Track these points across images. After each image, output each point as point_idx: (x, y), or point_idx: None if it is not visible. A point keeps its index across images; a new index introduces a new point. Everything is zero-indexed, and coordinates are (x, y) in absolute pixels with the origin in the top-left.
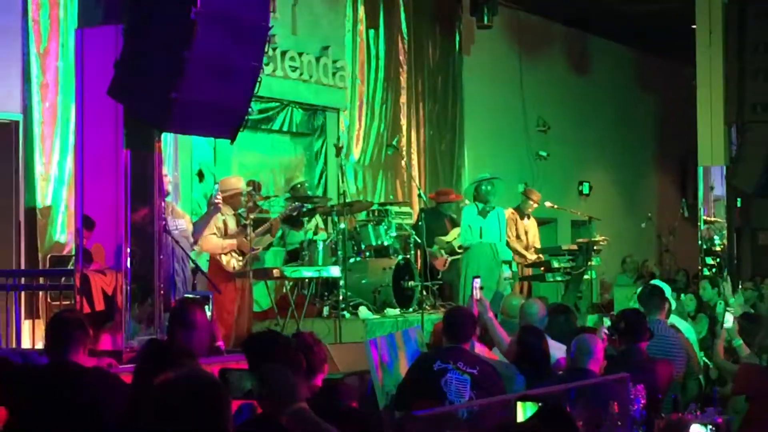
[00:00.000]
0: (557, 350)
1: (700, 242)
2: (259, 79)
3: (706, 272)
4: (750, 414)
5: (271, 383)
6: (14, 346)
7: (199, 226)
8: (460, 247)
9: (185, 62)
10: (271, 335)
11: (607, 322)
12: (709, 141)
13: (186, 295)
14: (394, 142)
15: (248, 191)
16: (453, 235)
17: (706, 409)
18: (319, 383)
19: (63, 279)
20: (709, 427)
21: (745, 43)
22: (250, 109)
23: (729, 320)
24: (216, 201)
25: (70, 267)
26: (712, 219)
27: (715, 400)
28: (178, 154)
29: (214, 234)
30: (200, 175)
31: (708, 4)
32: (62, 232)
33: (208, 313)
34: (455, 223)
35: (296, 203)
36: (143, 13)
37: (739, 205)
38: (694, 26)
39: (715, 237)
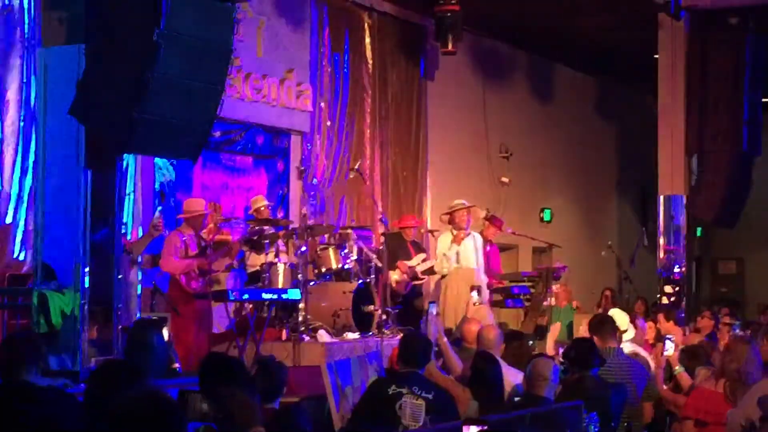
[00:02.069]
0: (512, 376)
1: (659, 271)
2: (221, 101)
3: (665, 301)
4: None
5: (229, 407)
6: None
7: (138, 247)
8: (423, 273)
9: (148, 83)
10: (225, 358)
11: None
12: (670, 170)
13: (143, 317)
14: (356, 167)
15: (210, 213)
16: (416, 261)
17: None
18: (277, 406)
19: (20, 298)
20: None
21: (706, 73)
22: (212, 131)
23: (669, 348)
24: (157, 223)
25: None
26: (672, 248)
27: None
28: (139, 174)
29: (175, 255)
30: (161, 195)
31: (671, 35)
32: (21, 250)
33: (166, 335)
34: (419, 248)
35: (256, 227)
36: (106, 33)
37: (699, 234)
38: (656, 56)
39: (675, 265)
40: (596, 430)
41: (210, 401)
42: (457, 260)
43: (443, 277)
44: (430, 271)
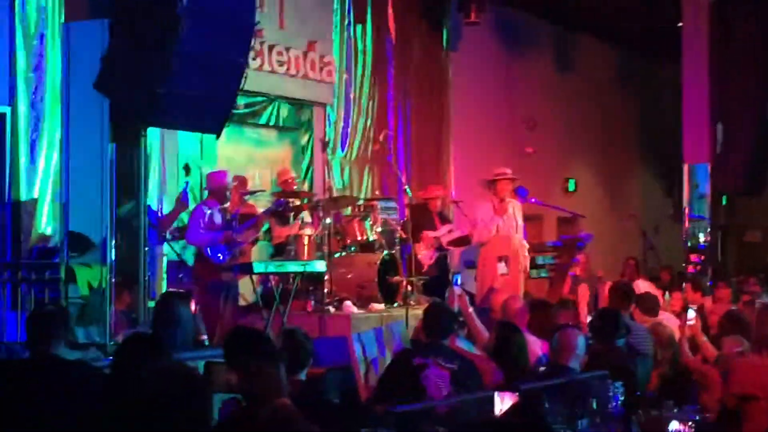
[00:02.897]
0: (537, 346)
1: (684, 240)
2: (244, 75)
3: (691, 271)
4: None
5: (254, 379)
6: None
7: (167, 222)
8: (449, 244)
9: (172, 57)
10: (251, 331)
11: None
12: (694, 138)
13: (170, 290)
14: (381, 138)
15: (234, 185)
16: (442, 231)
17: (684, 406)
18: (304, 378)
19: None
20: (690, 423)
21: (730, 41)
22: (236, 104)
23: (692, 317)
24: (183, 200)
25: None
26: (697, 217)
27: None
28: (165, 147)
29: (201, 228)
30: (187, 169)
31: (695, 2)
32: (48, 224)
33: (192, 308)
34: (445, 219)
35: (281, 199)
36: (130, 8)
37: (724, 203)
38: (680, 24)
39: (700, 234)
40: (621, 399)
41: (236, 373)
42: (497, 230)
43: (482, 245)
44: (456, 242)
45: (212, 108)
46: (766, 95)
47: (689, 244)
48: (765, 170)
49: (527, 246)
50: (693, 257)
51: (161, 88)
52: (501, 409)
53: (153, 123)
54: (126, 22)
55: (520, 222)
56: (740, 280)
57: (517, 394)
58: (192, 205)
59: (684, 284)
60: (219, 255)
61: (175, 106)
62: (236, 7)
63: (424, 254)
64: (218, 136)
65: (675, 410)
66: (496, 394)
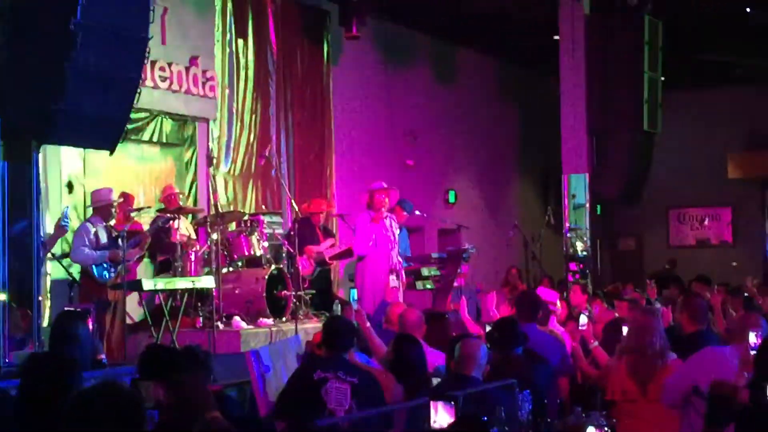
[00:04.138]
0: (434, 357)
1: (564, 249)
2: (138, 90)
3: (571, 279)
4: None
5: (185, 393)
6: None
7: (50, 243)
8: (331, 258)
9: (66, 73)
10: (165, 348)
11: None
12: (573, 149)
13: (67, 308)
14: (266, 153)
15: (120, 203)
16: (325, 246)
17: (590, 412)
18: None
19: None
20: (605, 428)
21: (606, 53)
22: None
23: (584, 323)
24: (62, 224)
25: None
26: (576, 227)
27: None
28: (48, 164)
29: (86, 246)
30: (70, 186)
31: (571, 16)
32: None
33: (90, 326)
34: (328, 233)
35: (166, 215)
36: (21, 22)
37: (598, 212)
38: (557, 37)
39: (578, 243)
40: (530, 408)
41: (165, 389)
42: (375, 243)
43: (360, 259)
44: (339, 256)
45: (106, 124)
46: (641, 106)
47: (569, 252)
48: (641, 179)
49: (402, 261)
50: (572, 266)
51: (55, 104)
52: (436, 421)
53: (46, 140)
54: (17, 37)
55: (396, 237)
56: (611, 289)
57: (453, 403)
58: (75, 224)
59: (566, 293)
60: (105, 273)
61: (69, 123)
62: (129, 22)
63: (306, 269)
64: (112, 152)
65: (584, 416)
66: (431, 404)
